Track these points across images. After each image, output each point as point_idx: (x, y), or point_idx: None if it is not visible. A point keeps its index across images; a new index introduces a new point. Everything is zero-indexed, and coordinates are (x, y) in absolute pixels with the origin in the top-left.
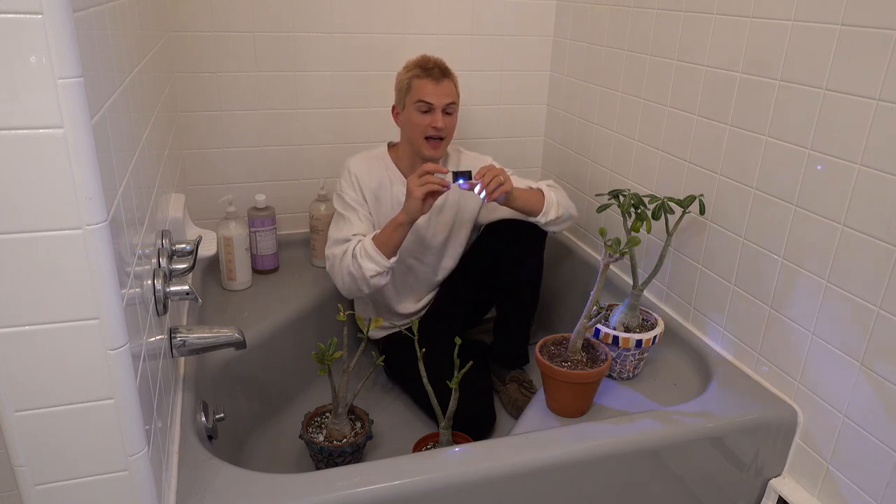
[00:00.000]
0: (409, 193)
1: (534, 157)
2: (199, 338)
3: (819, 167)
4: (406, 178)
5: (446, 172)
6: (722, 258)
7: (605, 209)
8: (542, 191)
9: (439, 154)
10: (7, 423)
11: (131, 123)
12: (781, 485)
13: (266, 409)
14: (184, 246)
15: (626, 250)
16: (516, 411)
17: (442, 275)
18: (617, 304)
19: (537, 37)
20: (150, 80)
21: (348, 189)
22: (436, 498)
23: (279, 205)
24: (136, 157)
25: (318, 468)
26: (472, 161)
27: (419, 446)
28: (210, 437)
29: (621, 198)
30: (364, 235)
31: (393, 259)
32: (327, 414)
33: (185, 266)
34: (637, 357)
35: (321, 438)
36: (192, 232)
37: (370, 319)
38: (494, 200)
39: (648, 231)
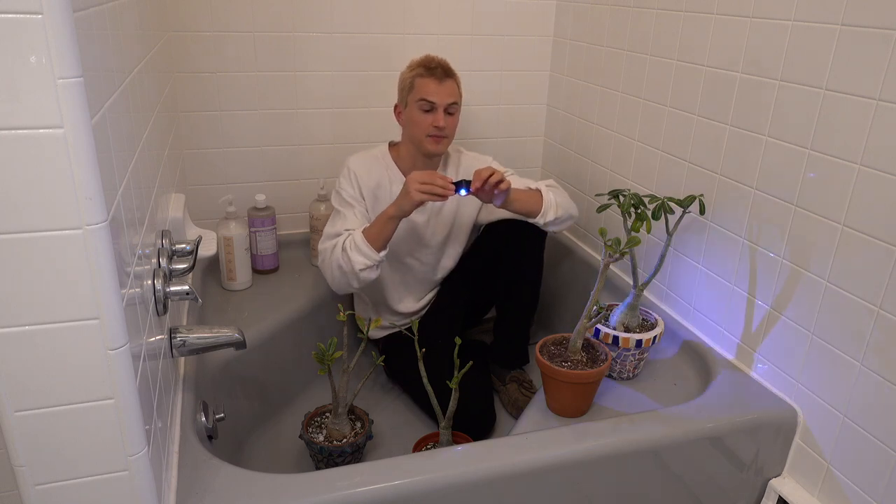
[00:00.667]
0: (406, 191)
1: (534, 157)
2: (199, 338)
3: (811, 175)
4: (406, 177)
5: (451, 184)
6: (722, 258)
7: (605, 209)
8: (540, 192)
9: (441, 150)
10: (7, 423)
11: (131, 123)
12: (781, 485)
13: (266, 409)
14: (184, 246)
15: (626, 250)
16: (516, 411)
17: (441, 274)
18: (617, 304)
19: (537, 37)
20: (150, 80)
21: (346, 186)
22: (436, 498)
23: (279, 205)
24: (136, 157)
25: (318, 468)
26: (472, 161)
27: (419, 446)
28: (210, 437)
29: (621, 198)
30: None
31: (383, 253)
32: (327, 414)
33: (185, 266)
34: (637, 357)
35: (321, 438)
36: (192, 232)
37: (370, 319)
38: (493, 203)
39: (648, 231)
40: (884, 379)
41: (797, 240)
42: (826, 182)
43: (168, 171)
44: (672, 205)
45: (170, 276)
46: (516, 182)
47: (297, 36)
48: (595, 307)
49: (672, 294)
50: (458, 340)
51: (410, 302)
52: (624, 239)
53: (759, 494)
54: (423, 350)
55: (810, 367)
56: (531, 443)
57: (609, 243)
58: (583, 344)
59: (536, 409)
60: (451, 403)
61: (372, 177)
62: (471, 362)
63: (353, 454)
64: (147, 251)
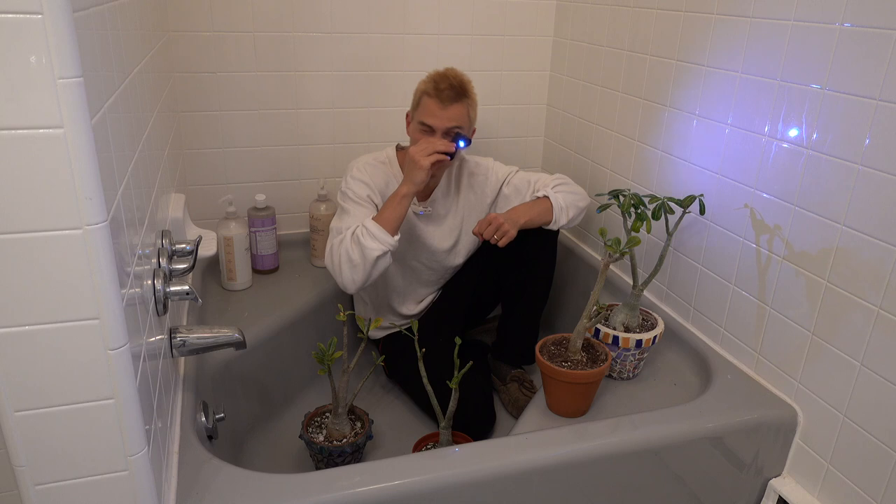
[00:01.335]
0: (414, 164)
1: (534, 157)
2: (199, 338)
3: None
4: None
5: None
6: (722, 258)
7: (605, 209)
8: (549, 199)
9: (438, 175)
10: (7, 423)
11: (131, 123)
12: (781, 485)
13: (266, 409)
14: (184, 246)
15: (626, 250)
16: (517, 411)
17: (447, 277)
18: (617, 304)
19: (537, 37)
20: (150, 80)
21: (355, 186)
22: (436, 498)
23: (279, 205)
24: (136, 157)
25: (318, 468)
26: (473, 168)
27: (419, 446)
28: (210, 437)
29: (621, 198)
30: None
31: (397, 237)
32: (327, 414)
33: (185, 266)
34: (637, 357)
35: (321, 438)
36: (192, 232)
37: (370, 319)
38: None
39: (648, 231)
40: (884, 379)
41: (797, 240)
42: (826, 182)
43: (168, 171)
44: (672, 205)
45: (170, 276)
46: (523, 178)
47: (297, 36)
48: (595, 307)
49: (672, 294)
50: (458, 340)
51: (412, 304)
52: (624, 239)
53: (759, 494)
54: (423, 350)
55: (810, 367)
56: (531, 443)
57: (609, 243)
58: (583, 344)
59: (536, 409)
60: (451, 403)
61: (379, 180)
62: (470, 362)
63: (353, 454)
64: (147, 251)
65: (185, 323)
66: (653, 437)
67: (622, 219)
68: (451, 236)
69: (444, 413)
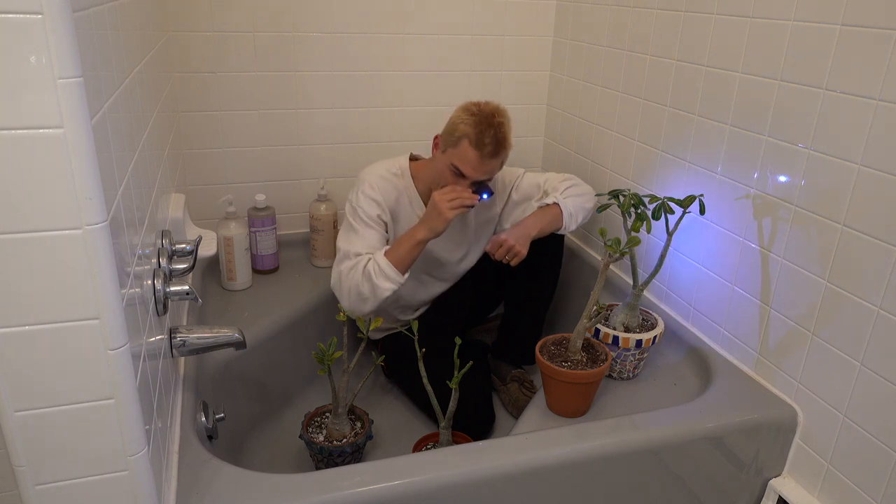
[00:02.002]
0: (437, 212)
1: (534, 157)
2: (199, 338)
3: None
4: (422, 197)
5: (473, 192)
6: (722, 258)
7: (605, 209)
8: (558, 206)
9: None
10: (7, 423)
11: (131, 123)
12: (781, 485)
13: (266, 409)
14: (184, 246)
15: (626, 250)
16: (517, 411)
17: (454, 281)
18: (617, 304)
19: (537, 37)
20: (150, 80)
21: (366, 205)
22: (436, 498)
23: (279, 205)
24: (136, 157)
25: (318, 468)
26: (504, 175)
27: (419, 446)
28: (210, 437)
29: (621, 198)
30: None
31: (406, 275)
32: (327, 414)
33: (185, 266)
34: (637, 357)
35: (321, 438)
36: (192, 232)
37: (370, 319)
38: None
39: (648, 231)
40: (884, 379)
41: (797, 240)
42: (826, 182)
43: (168, 171)
44: (672, 205)
45: (170, 276)
46: (531, 181)
47: (297, 36)
48: (595, 307)
49: (672, 294)
50: (458, 340)
51: (416, 309)
52: (624, 239)
53: (759, 494)
54: (423, 350)
55: (810, 367)
56: (531, 443)
57: (609, 243)
58: (583, 344)
59: (536, 409)
60: (451, 403)
61: (391, 196)
62: (470, 362)
63: (353, 454)
64: (147, 251)
65: (185, 323)
66: (653, 437)
67: (622, 219)
68: (461, 247)
69: (443, 413)
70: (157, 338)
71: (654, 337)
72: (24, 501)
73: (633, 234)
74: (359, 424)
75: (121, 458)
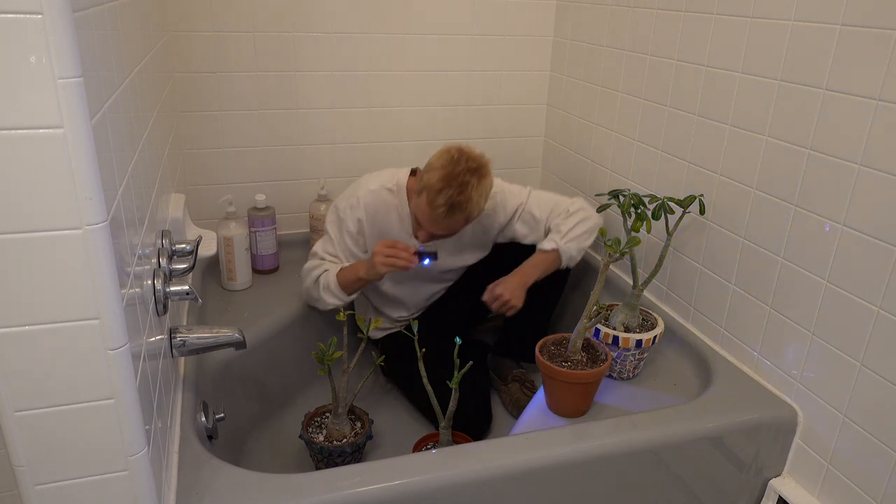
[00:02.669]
0: (373, 264)
1: (534, 157)
2: (199, 338)
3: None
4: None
5: (414, 253)
6: (722, 258)
7: (605, 209)
8: (558, 252)
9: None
10: (7, 423)
11: (131, 123)
12: (781, 485)
13: (266, 409)
14: (184, 246)
15: (626, 250)
16: (517, 411)
17: (453, 280)
18: (617, 304)
19: (537, 37)
20: (150, 80)
21: (350, 221)
22: (436, 498)
23: (279, 205)
24: (136, 157)
25: (318, 468)
26: (508, 199)
27: (419, 446)
28: (210, 437)
29: (621, 198)
30: (336, 262)
31: (351, 297)
32: (327, 414)
33: (185, 266)
34: (637, 357)
35: (321, 438)
36: (192, 232)
37: (370, 319)
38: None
39: (648, 231)
40: (884, 379)
41: (797, 240)
42: (826, 182)
43: (168, 171)
44: (672, 205)
45: (170, 276)
46: (535, 211)
47: (297, 36)
48: (595, 307)
49: (672, 294)
50: (458, 340)
51: (415, 310)
52: (624, 239)
53: (759, 494)
54: (423, 350)
55: (810, 367)
56: (531, 443)
57: (609, 243)
58: (583, 344)
59: (536, 409)
60: (451, 403)
61: (379, 213)
62: (470, 362)
63: (353, 454)
64: (147, 251)
65: (185, 323)
66: (653, 437)
67: (622, 219)
68: (457, 255)
69: (443, 413)
70: (157, 338)
71: (654, 337)
72: (24, 501)
73: (633, 234)
74: (359, 424)
75: (121, 458)
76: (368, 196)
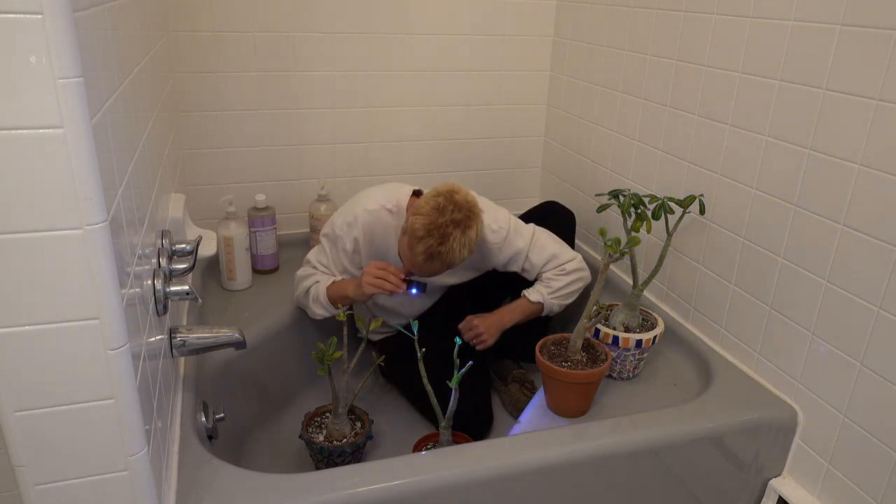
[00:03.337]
0: (360, 284)
1: (534, 157)
2: (199, 338)
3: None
4: None
5: (403, 279)
6: (722, 258)
7: (605, 209)
8: (542, 304)
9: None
10: (7, 423)
11: (131, 123)
12: (781, 485)
13: (266, 409)
14: (184, 246)
15: (626, 250)
16: (517, 411)
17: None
18: (617, 304)
19: (537, 37)
20: (150, 80)
21: (347, 238)
22: (436, 498)
23: (279, 205)
24: (136, 157)
25: (318, 468)
26: (514, 240)
27: (419, 446)
28: (210, 437)
29: (621, 198)
30: (328, 274)
31: (340, 309)
32: (327, 414)
33: (185, 266)
34: (637, 357)
35: (321, 438)
36: (192, 232)
37: (370, 319)
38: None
39: (648, 231)
40: (884, 379)
41: (797, 240)
42: (826, 182)
43: (168, 171)
44: (672, 205)
45: (170, 276)
46: (534, 259)
47: (297, 36)
48: (595, 307)
49: (672, 294)
50: (458, 340)
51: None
52: (624, 239)
53: (759, 494)
54: (423, 350)
55: (810, 367)
56: (531, 443)
57: (609, 243)
58: (583, 344)
59: (536, 409)
60: (451, 403)
61: (377, 233)
62: (470, 362)
63: (353, 454)
64: (147, 251)
65: (185, 323)
66: (653, 437)
67: (622, 219)
68: (452, 278)
69: (443, 413)
70: (157, 338)
71: (654, 337)
72: (24, 501)
73: (633, 234)
74: (359, 424)
75: (121, 458)
76: (366, 216)
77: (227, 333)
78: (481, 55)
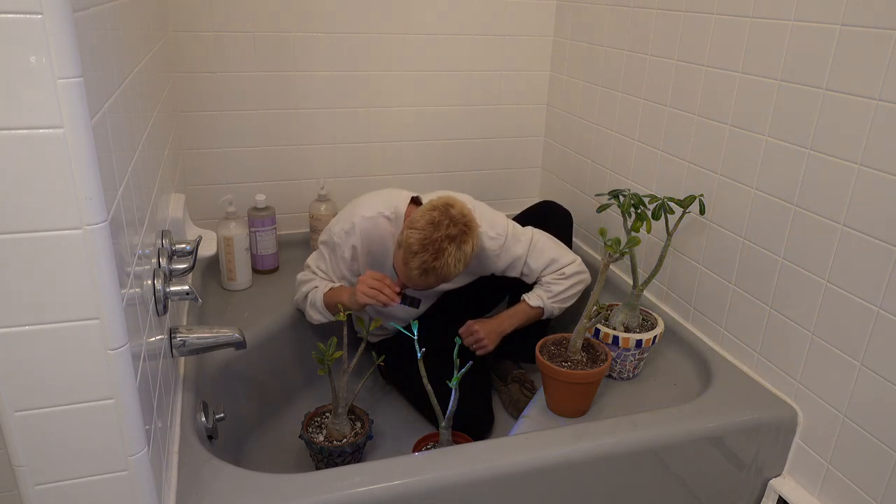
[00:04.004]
0: (354, 294)
1: (534, 157)
2: (199, 338)
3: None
4: None
5: (398, 292)
6: (722, 258)
7: (605, 209)
8: (542, 309)
9: None
10: (7, 423)
11: (131, 123)
12: (781, 485)
13: (266, 409)
14: (184, 246)
15: (626, 250)
16: (517, 411)
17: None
18: (617, 304)
19: (537, 37)
20: (150, 80)
21: (345, 246)
22: (436, 498)
23: (279, 205)
24: (136, 157)
25: (318, 468)
26: (512, 246)
27: (419, 446)
28: (210, 437)
29: (621, 198)
30: (327, 280)
31: (336, 316)
32: (327, 414)
33: (185, 266)
34: (637, 357)
35: (321, 438)
36: (192, 232)
37: (370, 319)
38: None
39: (648, 231)
40: (884, 379)
41: (797, 240)
42: (826, 182)
43: (168, 171)
44: (672, 205)
45: (170, 276)
46: (532, 264)
47: (297, 36)
48: (595, 307)
49: (672, 294)
50: (458, 340)
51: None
52: (624, 239)
53: (759, 494)
54: (424, 350)
55: (810, 368)
56: (531, 443)
57: (609, 243)
58: (583, 344)
59: (536, 409)
60: (451, 403)
61: (374, 240)
62: (470, 362)
63: (353, 454)
64: (147, 251)
65: (185, 323)
66: (653, 437)
67: (622, 219)
68: (450, 284)
69: (443, 413)
70: (157, 338)
71: (654, 337)
72: (24, 501)
73: (633, 234)
74: (359, 424)
75: (121, 458)
76: (364, 223)
77: (227, 333)
78: (481, 55)
